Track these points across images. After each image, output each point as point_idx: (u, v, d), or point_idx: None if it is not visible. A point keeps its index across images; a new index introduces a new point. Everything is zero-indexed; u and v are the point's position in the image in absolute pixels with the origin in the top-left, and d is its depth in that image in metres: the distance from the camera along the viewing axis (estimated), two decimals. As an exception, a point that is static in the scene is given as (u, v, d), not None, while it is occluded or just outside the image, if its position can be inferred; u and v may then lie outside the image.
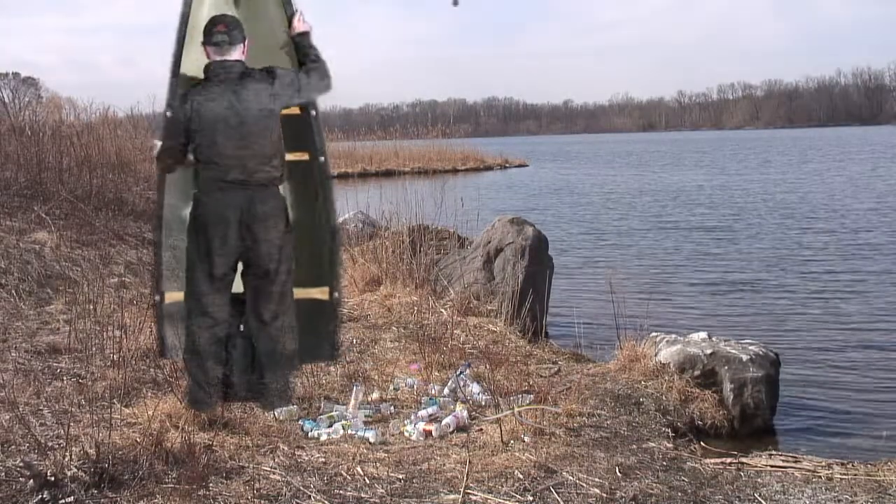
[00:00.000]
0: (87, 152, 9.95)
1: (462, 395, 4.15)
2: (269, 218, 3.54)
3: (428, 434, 3.66)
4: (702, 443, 4.09)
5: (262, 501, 2.82)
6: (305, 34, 3.61)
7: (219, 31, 3.39)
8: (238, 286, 3.72)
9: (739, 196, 18.61)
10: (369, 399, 4.08)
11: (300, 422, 3.71)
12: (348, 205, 9.88)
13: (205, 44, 3.43)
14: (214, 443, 3.23)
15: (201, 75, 3.57)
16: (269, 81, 3.45)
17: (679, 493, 3.13)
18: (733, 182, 22.92)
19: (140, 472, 2.89)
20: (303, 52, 3.61)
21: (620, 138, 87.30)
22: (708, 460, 3.62)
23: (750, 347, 4.77)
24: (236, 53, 3.44)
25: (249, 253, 3.55)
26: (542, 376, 4.67)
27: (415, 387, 4.31)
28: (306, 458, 3.26)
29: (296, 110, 3.67)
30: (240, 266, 3.66)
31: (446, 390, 4.21)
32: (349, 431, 3.66)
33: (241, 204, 3.45)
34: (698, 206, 16.74)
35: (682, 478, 3.31)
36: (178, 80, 3.53)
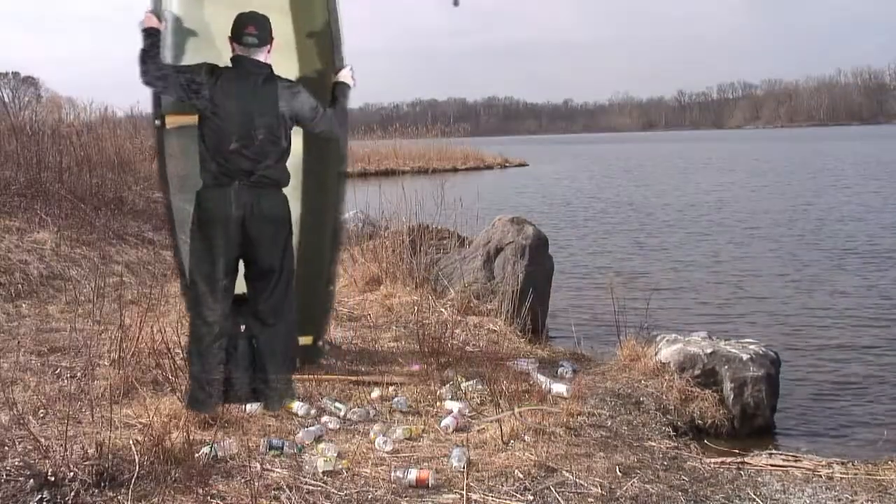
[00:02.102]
0: (86, 152, 9.98)
1: (462, 395, 4.15)
2: (273, 217, 3.56)
3: (427, 434, 3.66)
4: (702, 442, 4.10)
5: (262, 500, 2.82)
6: (348, 87, 3.82)
7: (249, 32, 3.47)
8: (240, 286, 3.74)
9: (742, 198, 18.62)
10: (370, 398, 4.08)
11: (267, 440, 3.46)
12: (348, 204, 9.87)
13: (233, 40, 3.49)
14: (214, 441, 3.23)
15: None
16: (292, 94, 3.52)
17: (679, 493, 3.13)
18: (737, 183, 22.93)
19: (140, 472, 2.89)
20: (336, 96, 3.79)
21: (622, 137, 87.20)
22: (708, 459, 3.61)
23: (750, 347, 4.77)
24: (262, 55, 3.51)
25: (252, 252, 3.56)
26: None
27: (416, 386, 4.30)
28: (306, 458, 3.25)
29: None
30: (241, 266, 3.68)
31: (446, 390, 4.20)
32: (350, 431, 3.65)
33: (247, 202, 3.46)
34: (700, 207, 16.74)
35: (683, 477, 3.31)
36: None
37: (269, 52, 3.54)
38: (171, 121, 3.75)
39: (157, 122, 3.75)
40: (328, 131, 3.74)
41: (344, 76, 3.83)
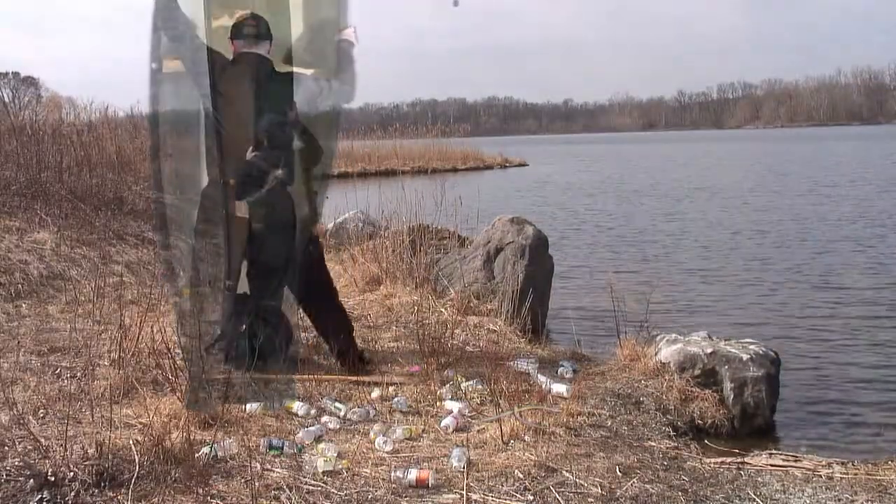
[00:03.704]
0: (86, 152, 9.96)
1: (462, 395, 4.15)
2: (280, 216, 3.55)
3: (427, 434, 3.66)
4: (702, 442, 4.10)
5: (262, 500, 2.82)
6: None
7: (249, 23, 3.48)
8: (242, 286, 3.74)
9: (743, 198, 18.61)
10: (370, 398, 4.08)
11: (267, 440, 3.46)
12: (348, 204, 9.89)
13: (233, 38, 3.50)
14: (215, 441, 3.23)
15: None
16: (293, 90, 3.51)
17: (679, 493, 3.13)
18: (738, 183, 22.92)
19: (140, 472, 2.88)
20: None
21: (622, 138, 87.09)
22: (708, 459, 3.61)
23: (750, 346, 4.77)
24: (263, 49, 3.51)
25: (258, 251, 3.56)
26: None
27: (416, 386, 4.30)
28: (306, 458, 3.25)
29: None
30: (244, 265, 3.68)
31: (446, 390, 4.20)
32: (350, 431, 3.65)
33: (253, 202, 3.45)
34: (701, 207, 16.74)
35: (683, 477, 3.31)
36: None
37: (268, 51, 3.55)
38: (169, 65, 3.64)
39: (154, 66, 3.55)
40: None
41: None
